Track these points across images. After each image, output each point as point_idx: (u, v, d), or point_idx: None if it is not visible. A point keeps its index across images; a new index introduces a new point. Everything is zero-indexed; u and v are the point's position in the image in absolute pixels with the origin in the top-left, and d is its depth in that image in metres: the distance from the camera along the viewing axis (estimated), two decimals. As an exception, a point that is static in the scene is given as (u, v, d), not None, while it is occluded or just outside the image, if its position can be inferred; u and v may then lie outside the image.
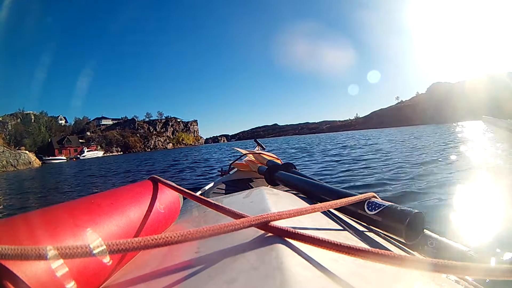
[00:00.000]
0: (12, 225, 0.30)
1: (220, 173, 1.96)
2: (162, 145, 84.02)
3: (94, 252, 0.24)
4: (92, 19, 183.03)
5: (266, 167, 1.32)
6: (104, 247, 0.25)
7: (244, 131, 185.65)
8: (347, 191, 0.67)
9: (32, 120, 70.87)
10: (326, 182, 0.87)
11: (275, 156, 1.83)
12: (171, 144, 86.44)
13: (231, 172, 1.83)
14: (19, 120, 70.77)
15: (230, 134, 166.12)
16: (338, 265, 0.31)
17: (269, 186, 1.15)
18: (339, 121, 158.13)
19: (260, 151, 1.96)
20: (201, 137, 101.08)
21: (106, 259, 0.35)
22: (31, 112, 73.13)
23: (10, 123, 68.73)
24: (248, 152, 1.92)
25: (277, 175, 1.10)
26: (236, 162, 1.88)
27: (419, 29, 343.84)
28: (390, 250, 0.44)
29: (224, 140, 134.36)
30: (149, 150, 77.01)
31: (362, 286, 0.28)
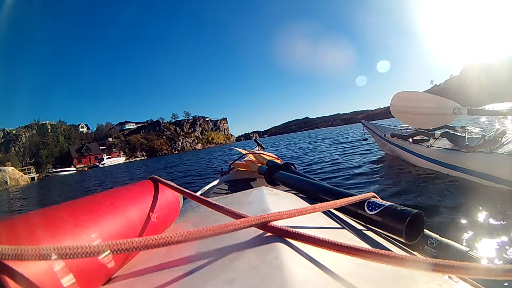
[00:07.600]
0: (12, 225, 0.30)
1: (220, 173, 1.95)
2: (190, 146, 75.94)
3: (94, 252, 0.24)
4: (116, 23, 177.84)
5: (266, 167, 1.33)
6: (105, 247, 0.25)
7: (276, 126, 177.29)
8: (347, 191, 0.67)
9: (49, 130, 63.31)
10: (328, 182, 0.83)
11: (275, 156, 1.84)
12: (200, 144, 78.76)
13: (231, 172, 1.84)
14: (34, 131, 63.33)
15: (262, 130, 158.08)
16: (338, 265, 0.31)
17: (269, 186, 1.15)
18: (369, 110, 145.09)
19: (260, 151, 1.97)
20: (231, 135, 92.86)
21: (106, 259, 0.34)
22: (47, 122, 65.99)
23: (24, 135, 61.46)
24: (248, 152, 1.92)
25: (277, 175, 1.11)
26: (236, 162, 1.88)
27: (449, 7, 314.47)
28: (390, 250, 0.44)
29: (256, 137, 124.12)
30: (176, 152, 69.55)
31: (362, 286, 0.28)
